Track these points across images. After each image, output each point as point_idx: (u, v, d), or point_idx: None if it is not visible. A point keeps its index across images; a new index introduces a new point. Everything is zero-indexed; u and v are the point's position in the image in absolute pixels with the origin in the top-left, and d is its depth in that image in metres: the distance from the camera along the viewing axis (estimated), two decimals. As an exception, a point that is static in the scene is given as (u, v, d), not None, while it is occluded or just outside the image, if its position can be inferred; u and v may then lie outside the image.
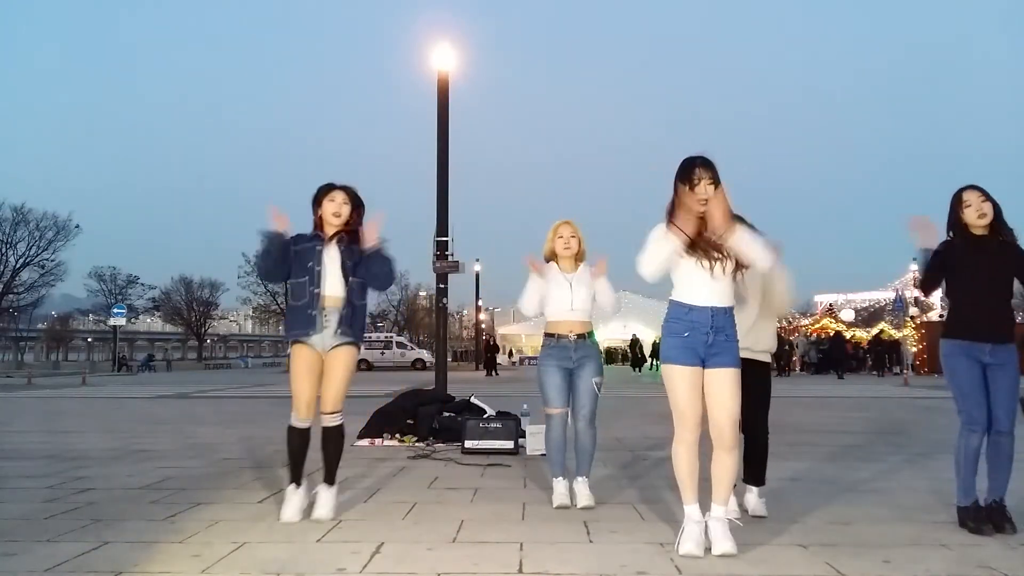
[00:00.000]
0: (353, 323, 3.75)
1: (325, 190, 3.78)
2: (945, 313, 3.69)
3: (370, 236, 3.72)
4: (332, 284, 3.70)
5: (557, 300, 4.13)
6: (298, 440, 3.74)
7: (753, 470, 3.86)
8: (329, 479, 3.78)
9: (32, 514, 3.89)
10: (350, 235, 3.77)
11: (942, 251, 3.58)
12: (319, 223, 3.78)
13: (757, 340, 3.79)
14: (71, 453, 6.26)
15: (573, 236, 4.18)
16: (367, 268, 3.75)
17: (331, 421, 3.75)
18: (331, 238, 3.74)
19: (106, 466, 5.52)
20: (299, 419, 3.73)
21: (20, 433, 8.06)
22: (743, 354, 3.62)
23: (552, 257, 4.22)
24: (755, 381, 3.74)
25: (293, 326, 3.74)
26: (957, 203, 3.56)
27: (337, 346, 3.72)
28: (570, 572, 2.90)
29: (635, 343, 31.57)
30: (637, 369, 30.20)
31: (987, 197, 3.51)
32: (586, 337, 4.14)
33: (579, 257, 4.21)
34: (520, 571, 2.91)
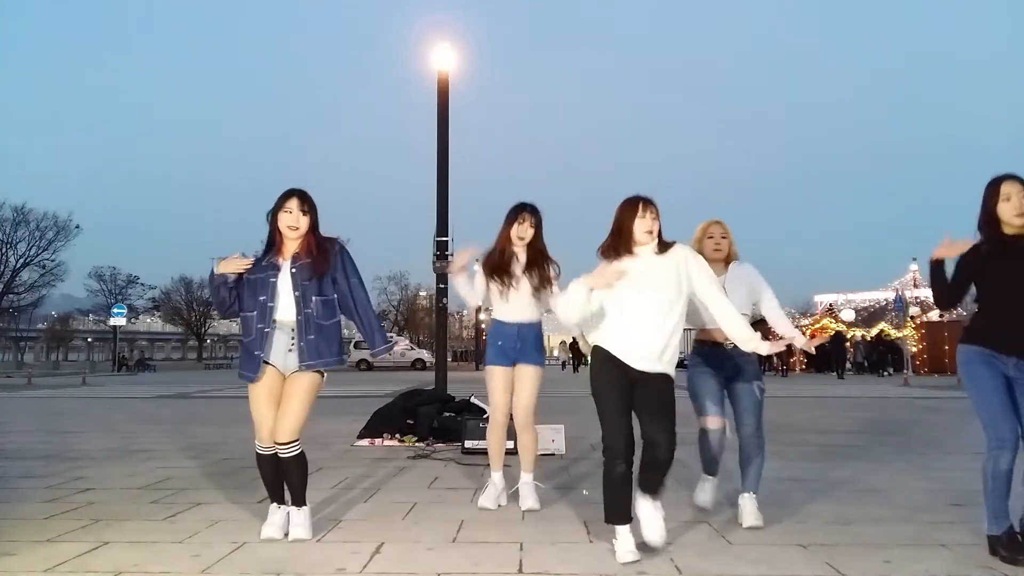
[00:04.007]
0: (319, 350, 3.40)
1: (281, 200, 3.44)
2: (968, 316, 3.24)
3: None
4: (285, 311, 3.39)
5: None
6: (268, 465, 3.45)
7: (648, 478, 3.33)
8: (297, 502, 3.47)
9: (32, 514, 3.89)
10: (308, 249, 3.45)
11: (969, 256, 3.09)
12: (278, 239, 3.47)
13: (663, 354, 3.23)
14: (71, 453, 6.26)
15: (724, 236, 3.79)
16: (355, 294, 3.49)
17: (287, 452, 3.37)
18: (292, 262, 3.43)
19: (106, 466, 5.52)
20: (263, 446, 3.42)
21: (20, 433, 8.07)
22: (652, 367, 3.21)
23: None
24: (655, 393, 3.26)
25: (243, 365, 3.46)
26: (992, 195, 3.03)
27: (298, 371, 3.40)
28: (570, 572, 2.90)
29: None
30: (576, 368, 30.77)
31: None
32: None
33: (728, 259, 3.81)
34: (520, 571, 2.91)
